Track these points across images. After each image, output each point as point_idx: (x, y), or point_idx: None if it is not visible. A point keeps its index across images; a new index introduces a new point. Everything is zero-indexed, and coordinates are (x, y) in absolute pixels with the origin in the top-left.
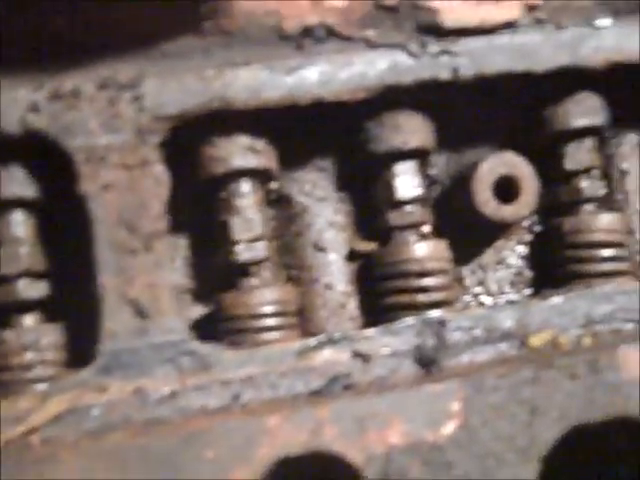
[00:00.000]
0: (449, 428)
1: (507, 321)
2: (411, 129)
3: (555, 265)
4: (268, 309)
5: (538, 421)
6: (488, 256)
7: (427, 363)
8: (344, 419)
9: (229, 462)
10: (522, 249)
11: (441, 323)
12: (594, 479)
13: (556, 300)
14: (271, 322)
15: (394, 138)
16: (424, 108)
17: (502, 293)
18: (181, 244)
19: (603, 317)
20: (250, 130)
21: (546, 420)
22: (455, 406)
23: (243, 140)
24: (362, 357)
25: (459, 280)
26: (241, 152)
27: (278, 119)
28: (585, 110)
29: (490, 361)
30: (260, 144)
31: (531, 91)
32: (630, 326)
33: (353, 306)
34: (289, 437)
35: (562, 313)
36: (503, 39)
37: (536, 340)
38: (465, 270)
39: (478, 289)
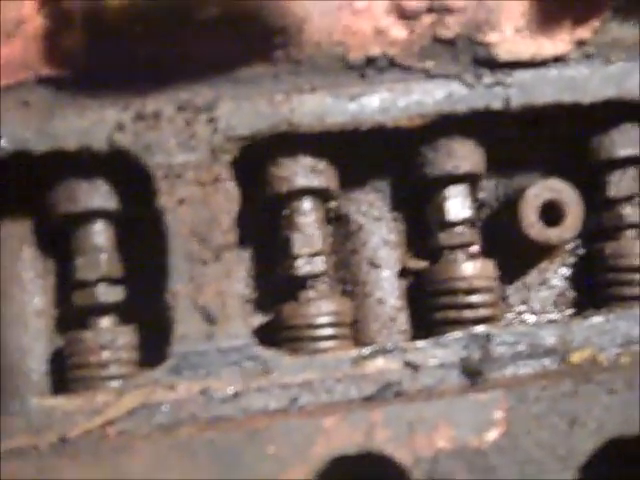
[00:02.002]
0: (493, 435)
1: (549, 338)
2: (463, 155)
3: (596, 287)
4: (324, 320)
5: (577, 432)
6: (532, 277)
7: (473, 374)
8: (395, 423)
9: (288, 458)
10: (565, 271)
11: (487, 337)
12: None
13: (596, 320)
14: (326, 332)
15: (447, 163)
16: (476, 135)
17: (545, 312)
18: (245, 257)
19: None
20: (313, 152)
21: (584, 431)
22: (499, 414)
23: (306, 161)
24: (412, 367)
25: (504, 299)
26: (304, 172)
27: (340, 142)
28: (629, 140)
29: (532, 375)
30: (322, 165)
31: (578, 122)
32: None
33: (403, 320)
34: (344, 438)
35: (602, 332)
36: (553, 72)
37: (576, 357)
38: (510, 289)
39: (522, 308)
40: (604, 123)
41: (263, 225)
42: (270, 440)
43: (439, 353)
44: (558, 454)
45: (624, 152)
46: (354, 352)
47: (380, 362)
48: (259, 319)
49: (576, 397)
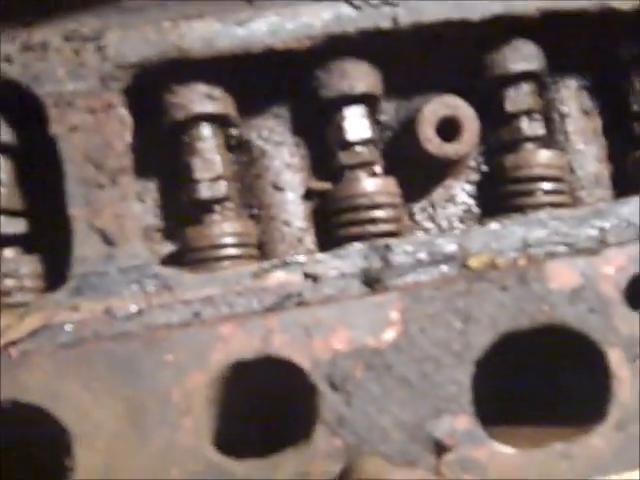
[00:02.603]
0: (389, 335)
1: (448, 245)
2: (358, 75)
3: (499, 200)
4: (228, 240)
5: (471, 328)
6: (438, 194)
7: (373, 283)
8: (292, 328)
9: (187, 365)
10: (470, 187)
11: (386, 247)
12: (532, 383)
13: (494, 226)
14: (231, 252)
15: (341, 84)
16: (370, 57)
17: (452, 229)
18: (150, 187)
19: (537, 241)
20: (207, 78)
21: (478, 327)
22: (394, 315)
23: (201, 88)
24: (312, 278)
25: (411, 216)
26: (199, 99)
27: (234, 68)
28: (521, 56)
29: (431, 280)
30: (218, 92)
31: (470, 39)
32: (563, 249)
33: (310, 240)
34: (241, 344)
35: (499, 238)
36: None
37: (475, 262)
38: (416, 207)
39: (428, 224)
40: (496, 40)
41: (166, 154)
42: (168, 349)
43: (339, 264)
44: (454, 350)
45: (517, 67)
46: (254, 267)
47: (281, 275)
48: (167, 248)
49: (469, 295)
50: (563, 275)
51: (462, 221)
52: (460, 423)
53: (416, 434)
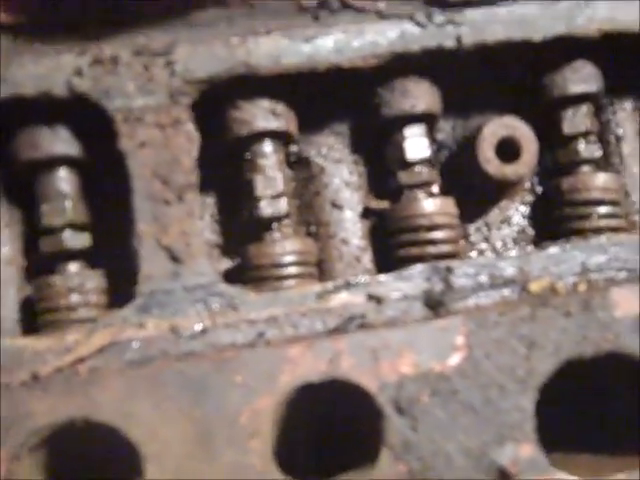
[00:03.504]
0: (455, 359)
1: (508, 269)
2: (419, 94)
3: (555, 223)
4: (288, 259)
5: (535, 354)
6: (493, 215)
7: (435, 305)
8: (359, 351)
9: (256, 387)
10: (525, 209)
11: (448, 270)
12: (591, 410)
13: (553, 250)
14: (291, 271)
15: (403, 102)
16: (432, 75)
17: (506, 250)
18: (210, 202)
19: (597, 266)
20: (271, 94)
21: (542, 353)
22: (460, 340)
23: (265, 103)
24: (375, 299)
25: (465, 237)
26: (263, 115)
27: (297, 85)
28: (581, 77)
29: (493, 304)
30: (280, 108)
31: (532, 60)
32: (623, 275)
33: (368, 259)
34: (309, 366)
35: (559, 262)
36: (503, 10)
37: (535, 286)
38: (471, 228)
39: (484, 246)
40: (556, 61)
41: (227, 170)
42: (237, 370)
43: (402, 286)
44: (518, 376)
45: (576, 89)
46: (318, 287)
47: (344, 296)
48: (227, 262)
49: (534, 321)
50: (628, 302)
51: (516, 243)
52: (524, 451)
53: (480, 461)
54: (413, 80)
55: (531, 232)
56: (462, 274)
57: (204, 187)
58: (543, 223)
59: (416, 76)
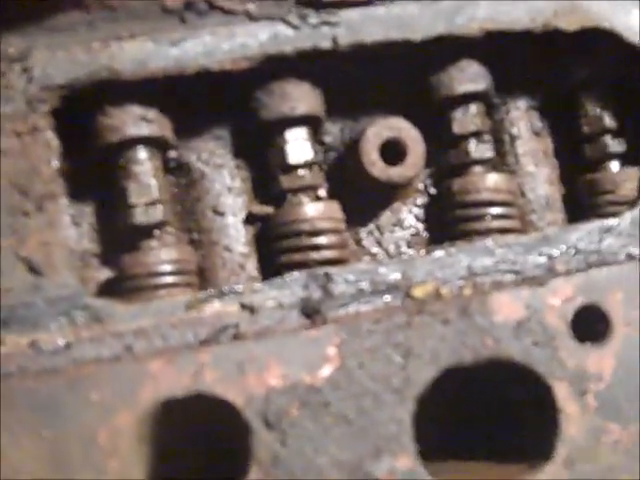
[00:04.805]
0: (326, 371)
1: (391, 274)
2: (299, 97)
3: (448, 225)
4: (165, 268)
5: (412, 363)
6: (385, 218)
7: (312, 314)
8: (224, 363)
9: (113, 404)
10: (418, 211)
11: (327, 276)
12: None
13: (438, 254)
14: (168, 280)
15: (282, 105)
16: (312, 78)
17: (400, 253)
18: (88, 210)
19: (484, 269)
20: (141, 100)
21: (419, 362)
22: (331, 350)
23: (135, 109)
24: (249, 309)
25: (357, 241)
26: (133, 121)
27: (170, 90)
28: (467, 77)
29: (371, 311)
30: (152, 113)
31: (415, 60)
32: (510, 277)
33: (252, 266)
34: (171, 380)
35: (444, 266)
36: (380, 10)
37: (419, 291)
38: (363, 231)
39: (376, 249)
40: (440, 60)
41: (103, 177)
42: (93, 387)
43: (277, 294)
44: (394, 386)
45: (464, 88)
46: (188, 297)
47: (216, 305)
48: (104, 274)
49: (410, 328)
50: (507, 307)
51: (410, 246)
52: (401, 463)
53: (354, 474)
54: (292, 82)
55: (426, 235)
56: (342, 281)
57: (81, 194)
58: (438, 225)
59: (295, 78)
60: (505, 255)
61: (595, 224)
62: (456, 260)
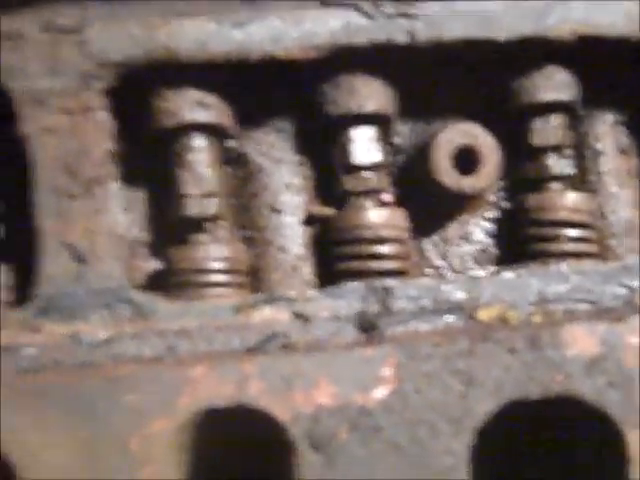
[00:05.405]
0: (380, 393)
1: (455, 293)
2: (368, 93)
3: (519, 243)
4: (214, 265)
5: (472, 393)
6: (452, 230)
7: (368, 329)
8: (271, 375)
9: (149, 410)
10: (488, 225)
11: (386, 290)
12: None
13: (507, 275)
14: (217, 278)
15: (350, 101)
16: (384, 73)
17: (465, 269)
18: (139, 197)
19: (556, 296)
20: (200, 84)
21: (481, 392)
22: (387, 371)
23: (193, 94)
24: (302, 318)
25: (420, 252)
26: (190, 106)
27: (232, 76)
28: (553, 84)
29: (431, 331)
30: (211, 99)
31: (496, 62)
32: (585, 307)
33: (307, 270)
34: (213, 388)
35: (513, 289)
36: (462, 5)
37: (484, 314)
38: (427, 243)
39: (440, 263)
40: (525, 64)
41: (157, 163)
42: (130, 389)
43: (333, 304)
44: (452, 416)
45: (548, 96)
46: (237, 299)
47: (267, 311)
48: (153, 265)
49: (472, 356)
50: (581, 341)
51: (477, 262)
52: None
53: None
54: (362, 77)
55: (494, 251)
56: (403, 295)
57: (134, 180)
58: (508, 243)
59: (366, 73)
60: (581, 283)
61: None
62: (526, 283)
